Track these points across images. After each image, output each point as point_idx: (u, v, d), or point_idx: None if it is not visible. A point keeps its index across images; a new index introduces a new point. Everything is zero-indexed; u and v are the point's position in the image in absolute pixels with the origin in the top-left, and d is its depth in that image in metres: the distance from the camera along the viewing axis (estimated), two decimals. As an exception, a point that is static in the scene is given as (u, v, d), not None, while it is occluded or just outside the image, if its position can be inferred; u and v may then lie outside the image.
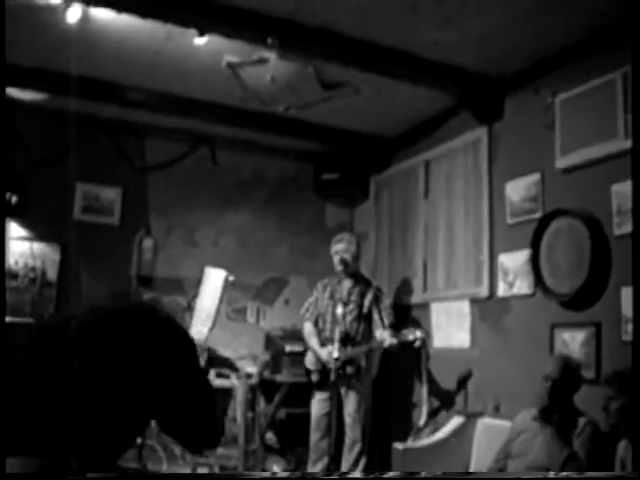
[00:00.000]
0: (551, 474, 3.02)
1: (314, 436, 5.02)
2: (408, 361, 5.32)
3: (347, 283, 5.11)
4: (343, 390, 4.92)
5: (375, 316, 4.99)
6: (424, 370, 5.10)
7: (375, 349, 4.90)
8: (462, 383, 4.77)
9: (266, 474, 4.44)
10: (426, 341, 4.82)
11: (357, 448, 4.86)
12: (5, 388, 1.00)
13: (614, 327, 3.69)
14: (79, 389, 1.00)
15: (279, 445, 5.80)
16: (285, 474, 4.67)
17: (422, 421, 4.95)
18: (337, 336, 4.85)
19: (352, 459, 4.86)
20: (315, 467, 4.97)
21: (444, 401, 4.91)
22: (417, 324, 5.22)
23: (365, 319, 4.99)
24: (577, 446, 3.25)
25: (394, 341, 4.69)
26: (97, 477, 1.00)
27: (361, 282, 5.15)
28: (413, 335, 4.65)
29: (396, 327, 4.90)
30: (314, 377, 5.01)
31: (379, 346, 4.82)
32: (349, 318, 4.96)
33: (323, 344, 4.99)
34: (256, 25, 4.01)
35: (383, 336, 4.80)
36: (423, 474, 2.40)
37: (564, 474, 3.07)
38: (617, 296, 3.69)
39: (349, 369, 4.85)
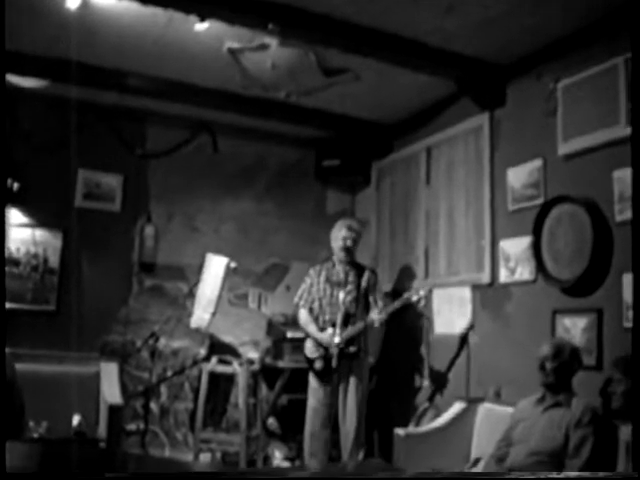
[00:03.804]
0: (552, 474, 3.03)
1: (313, 426, 4.95)
2: (410, 345, 5.35)
3: (343, 267, 5.09)
4: (342, 374, 4.87)
5: (370, 298, 4.99)
6: (425, 329, 5.13)
7: (369, 326, 4.87)
8: (464, 340, 4.82)
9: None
10: (428, 298, 4.84)
11: (354, 433, 4.82)
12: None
13: (615, 313, 3.70)
14: None
15: (281, 431, 5.83)
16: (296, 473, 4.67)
17: (426, 382, 4.98)
18: (339, 320, 4.83)
19: (350, 444, 4.83)
20: (313, 457, 4.92)
21: (448, 371, 4.99)
22: (418, 310, 5.21)
23: (363, 300, 4.98)
24: (579, 438, 3.25)
25: (383, 316, 4.76)
26: (114, 477, 1.02)
27: (356, 265, 5.13)
28: (417, 295, 4.73)
29: (398, 312, 4.91)
30: (318, 365, 4.93)
31: (371, 324, 4.82)
32: (348, 299, 4.94)
33: (322, 329, 4.97)
34: (257, 11, 4.00)
35: (373, 314, 4.82)
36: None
37: (564, 474, 3.08)
38: (618, 282, 3.70)
39: (351, 349, 4.83)
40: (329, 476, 3.29)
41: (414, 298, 4.74)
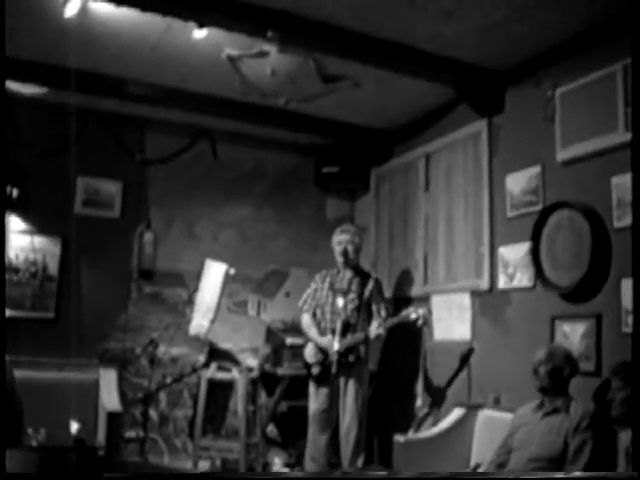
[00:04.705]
0: (552, 474, 3.03)
1: (313, 431, 4.97)
2: (410, 352, 5.34)
3: (347, 274, 5.10)
4: (342, 381, 4.90)
5: (373, 307, 4.99)
6: (424, 350, 5.12)
7: (370, 338, 4.87)
8: (464, 360, 4.81)
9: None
10: (428, 319, 4.83)
11: (354, 439, 4.82)
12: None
13: (614, 319, 3.70)
14: None
15: (280, 438, 5.82)
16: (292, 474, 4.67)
17: (419, 402, 4.96)
18: (338, 328, 4.84)
19: (350, 451, 4.83)
20: (313, 462, 4.93)
21: (447, 387, 4.98)
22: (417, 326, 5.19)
23: (365, 309, 4.99)
24: (578, 443, 3.25)
25: (381, 331, 4.74)
26: (113, 477, 1.03)
27: (361, 273, 5.14)
28: (416, 313, 4.69)
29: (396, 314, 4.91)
30: (315, 370, 4.95)
31: (369, 337, 4.82)
32: (350, 307, 4.95)
33: (322, 334, 4.98)
34: (256, 18, 4.00)
35: (372, 326, 4.82)
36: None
37: (564, 474, 3.08)
38: (617, 288, 3.70)
39: (350, 358, 4.84)
40: (320, 477, 3.29)
41: (412, 316, 4.69)
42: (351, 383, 4.87)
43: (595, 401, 3.52)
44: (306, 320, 5.15)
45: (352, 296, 4.99)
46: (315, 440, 4.96)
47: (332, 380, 4.87)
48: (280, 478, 3.00)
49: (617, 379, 3.25)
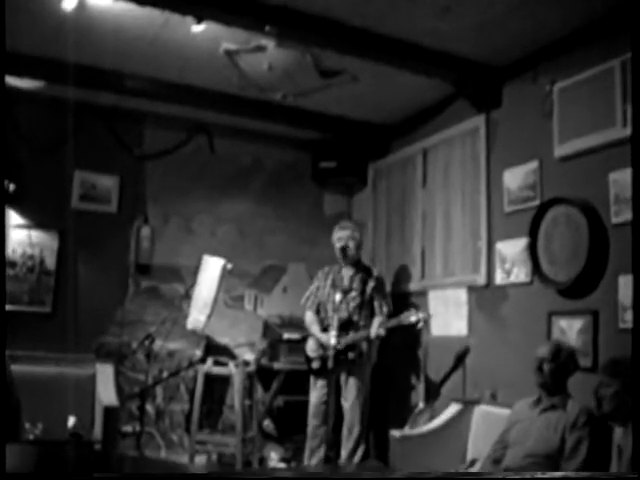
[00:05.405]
0: (550, 474, 3.03)
1: (312, 423, 5.05)
2: (406, 347, 5.35)
3: (349, 271, 5.12)
4: (343, 377, 4.95)
5: (375, 304, 5.01)
6: (424, 352, 5.13)
7: (371, 338, 4.90)
8: (460, 360, 4.82)
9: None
10: (427, 322, 4.84)
11: (355, 435, 4.88)
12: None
13: (611, 315, 3.70)
14: None
15: (277, 432, 5.82)
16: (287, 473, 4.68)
17: (421, 404, 4.97)
18: (335, 323, 4.87)
19: (350, 446, 4.89)
20: (313, 455, 4.99)
21: (441, 385, 4.98)
22: (417, 309, 5.20)
23: (367, 306, 5.02)
24: (575, 440, 3.25)
25: (381, 331, 4.77)
26: (103, 477, 1.03)
27: (362, 270, 5.16)
28: (416, 317, 4.70)
29: (395, 314, 4.92)
30: (315, 364, 5.02)
31: (370, 336, 4.84)
32: (352, 305, 4.98)
33: (325, 331, 5.02)
34: (254, 12, 4.00)
35: (373, 326, 4.83)
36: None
37: (564, 474, 3.08)
38: (614, 284, 3.70)
39: (350, 355, 4.87)
40: (318, 477, 3.30)
41: (412, 319, 4.71)
42: (353, 380, 4.92)
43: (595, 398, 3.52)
44: (309, 317, 5.22)
45: (354, 294, 5.03)
46: (314, 432, 5.03)
47: (330, 374, 4.92)
48: (276, 477, 3.01)
49: (606, 375, 3.26)
